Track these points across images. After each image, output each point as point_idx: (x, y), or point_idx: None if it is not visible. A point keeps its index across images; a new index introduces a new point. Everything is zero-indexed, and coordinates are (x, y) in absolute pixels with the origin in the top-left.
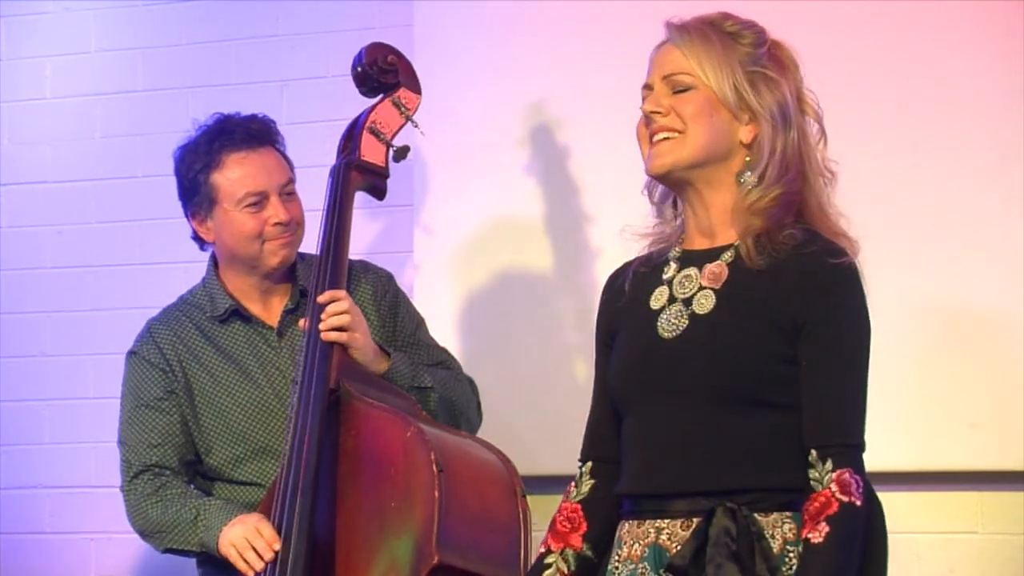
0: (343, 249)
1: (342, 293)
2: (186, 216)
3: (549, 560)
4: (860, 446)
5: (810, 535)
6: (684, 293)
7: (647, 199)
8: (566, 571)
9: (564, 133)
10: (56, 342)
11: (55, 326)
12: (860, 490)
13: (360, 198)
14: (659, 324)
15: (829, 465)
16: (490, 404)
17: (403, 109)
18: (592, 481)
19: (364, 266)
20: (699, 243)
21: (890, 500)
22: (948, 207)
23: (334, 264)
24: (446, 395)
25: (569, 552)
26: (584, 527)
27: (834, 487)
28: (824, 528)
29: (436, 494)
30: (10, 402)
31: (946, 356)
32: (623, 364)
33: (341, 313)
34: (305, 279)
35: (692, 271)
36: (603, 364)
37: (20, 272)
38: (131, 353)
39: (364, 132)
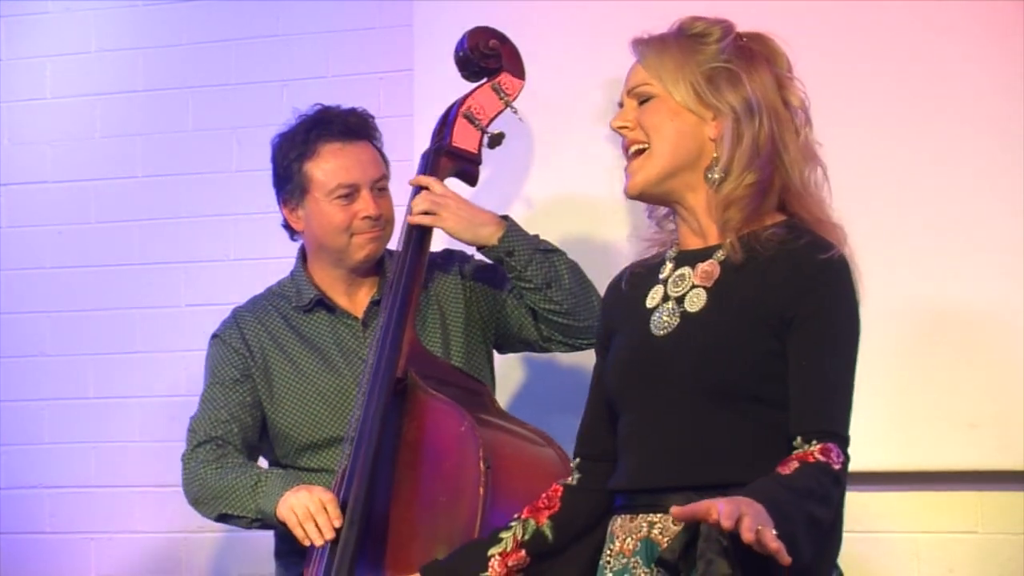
0: (426, 236)
1: (427, 180)
2: (278, 204)
3: (512, 523)
4: (845, 439)
5: (779, 469)
6: (677, 292)
7: (646, 216)
8: (520, 537)
9: (562, 131)
10: (56, 342)
11: (55, 326)
12: (840, 460)
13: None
14: (652, 322)
15: (814, 442)
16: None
17: (503, 94)
18: (579, 475)
19: (447, 254)
20: (693, 243)
21: (890, 500)
22: (949, 206)
23: (415, 250)
24: (573, 264)
25: (531, 523)
26: (556, 508)
27: (815, 451)
28: (795, 464)
29: (481, 491)
30: (10, 402)
31: (946, 356)
32: (618, 362)
33: (424, 200)
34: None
35: (686, 270)
36: (600, 365)
37: (20, 272)
38: (214, 336)
39: (458, 118)
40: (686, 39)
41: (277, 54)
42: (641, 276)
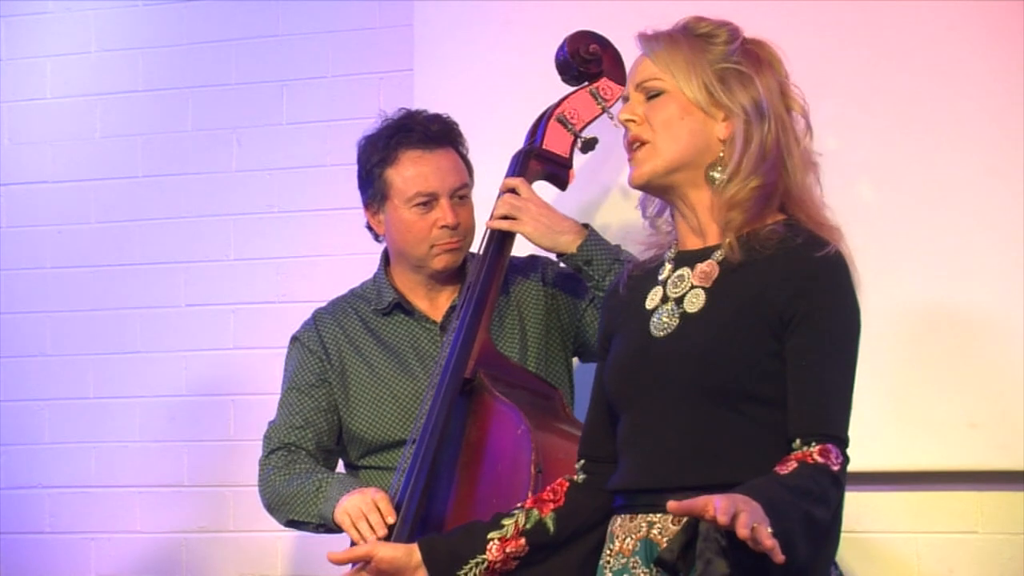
0: (507, 240)
1: (515, 182)
2: (362, 206)
3: (516, 511)
4: (845, 440)
5: (778, 469)
6: (676, 293)
7: (640, 212)
8: (521, 525)
9: None
10: (56, 342)
11: (55, 326)
12: (839, 462)
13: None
14: (652, 324)
15: (813, 444)
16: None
17: (600, 100)
18: (584, 475)
19: (531, 259)
20: (692, 243)
21: (890, 500)
22: (948, 207)
23: (494, 254)
24: None
25: (534, 512)
26: (561, 502)
27: (814, 452)
28: (793, 465)
29: (529, 495)
30: (10, 402)
31: (946, 356)
32: (617, 364)
33: (504, 204)
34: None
35: (685, 271)
36: (601, 367)
37: (20, 272)
38: (294, 338)
39: (551, 121)
40: (695, 38)
41: (277, 54)
42: (639, 279)
